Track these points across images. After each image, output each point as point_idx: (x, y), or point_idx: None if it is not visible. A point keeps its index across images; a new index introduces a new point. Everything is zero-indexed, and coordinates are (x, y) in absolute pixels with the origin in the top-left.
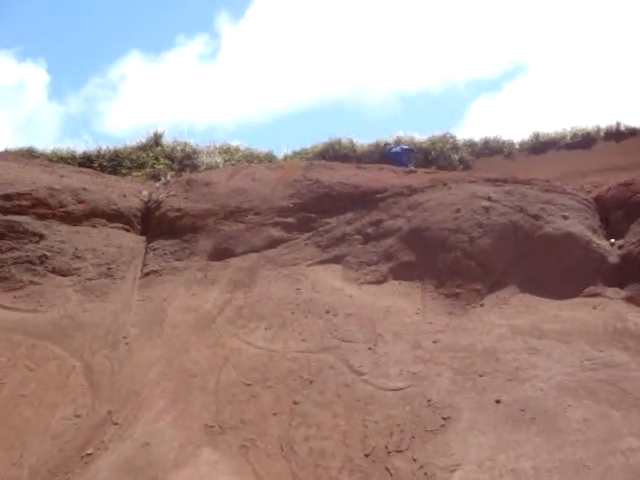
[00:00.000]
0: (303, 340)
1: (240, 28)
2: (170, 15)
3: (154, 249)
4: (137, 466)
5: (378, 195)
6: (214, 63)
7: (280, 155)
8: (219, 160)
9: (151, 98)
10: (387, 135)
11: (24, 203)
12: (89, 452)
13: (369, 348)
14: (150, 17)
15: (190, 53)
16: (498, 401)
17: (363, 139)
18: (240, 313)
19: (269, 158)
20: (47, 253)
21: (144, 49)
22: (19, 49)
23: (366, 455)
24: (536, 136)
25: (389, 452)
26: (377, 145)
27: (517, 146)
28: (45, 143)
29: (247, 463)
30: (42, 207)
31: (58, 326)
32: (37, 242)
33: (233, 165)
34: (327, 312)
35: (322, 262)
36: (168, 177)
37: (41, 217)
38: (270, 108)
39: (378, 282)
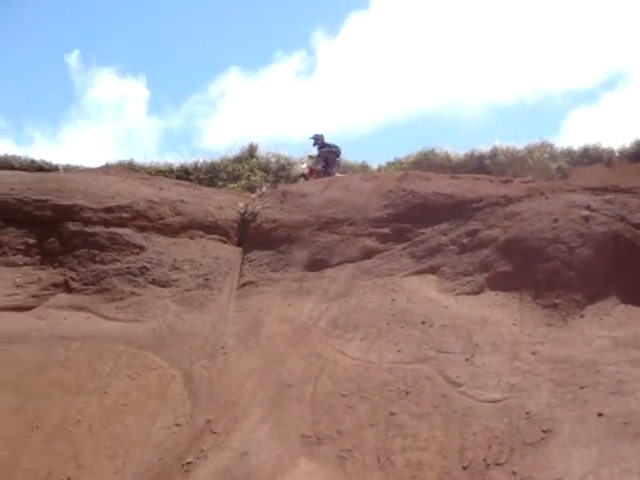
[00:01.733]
0: (399, 351)
1: (335, 45)
2: (269, 33)
3: (250, 260)
4: (236, 475)
5: (474, 205)
6: (310, 79)
7: (374, 166)
8: None
9: (249, 114)
10: (482, 145)
11: (125, 215)
12: (189, 461)
13: (466, 359)
14: (250, 35)
15: (287, 69)
16: (600, 414)
17: (457, 149)
18: (336, 324)
19: (363, 169)
20: (147, 264)
21: (243, 66)
22: (120, 66)
23: (464, 467)
24: (637, 143)
25: (488, 465)
26: (472, 155)
27: (617, 154)
28: (144, 157)
29: (344, 474)
30: (142, 219)
31: (158, 336)
32: (137, 254)
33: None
34: (423, 323)
35: (417, 273)
36: (263, 189)
37: (141, 229)
38: (365, 122)
39: (474, 293)
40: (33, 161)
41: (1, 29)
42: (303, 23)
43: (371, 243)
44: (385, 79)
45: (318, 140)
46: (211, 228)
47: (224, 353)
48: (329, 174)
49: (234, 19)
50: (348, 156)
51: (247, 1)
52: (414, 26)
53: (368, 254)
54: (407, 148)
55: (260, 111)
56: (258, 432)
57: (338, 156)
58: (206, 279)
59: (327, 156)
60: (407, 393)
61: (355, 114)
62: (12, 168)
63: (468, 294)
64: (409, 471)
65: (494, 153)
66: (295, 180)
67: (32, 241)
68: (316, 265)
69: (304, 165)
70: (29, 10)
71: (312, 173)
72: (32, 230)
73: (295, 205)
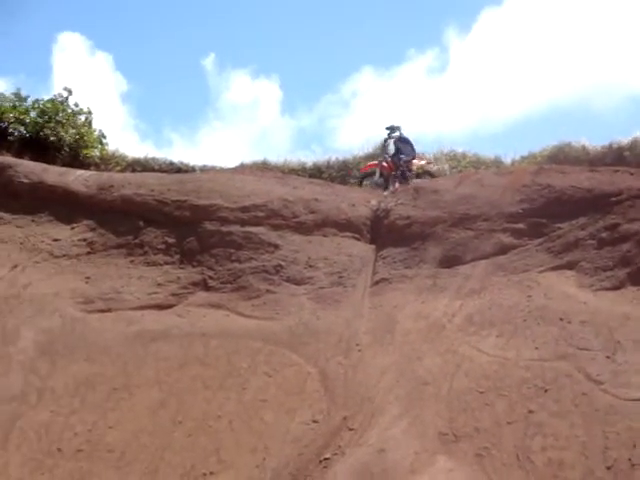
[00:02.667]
0: (536, 348)
1: (468, 41)
2: (402, 31)
3: (384, 257)
4: (374, 472)
5: (613, 198)
6: (442, 76)
7: (508, 160)
8: (446, 167)
9: (381, 113)
10: (622, 136)
11: (260, 214)
12: (327, 457)
13: (607, 356)
14: (383, 33)
15: (419, 67)
16: None
17: (595, 142)
18: (471, 320)
19: (496, 164)
20: (282, 262)
21: (376, 65)
22: (254, 67)
23: (608, 468)
24: None
25: (633, 465)
26: (610, 147)
27: None
28: (277, 156)
29: (483, 472)
30: (276, 218)
31: (294, 333)
32: (272, 252)
33: (460, 172)
34: (561, 319)
35: (554, 268)
36: (396, 185)
37: (276, 228)
38: (499, 117)
39: (614, 288)
40: (172, 163)
41: (143, 37)
42: (435, 20)
43: (506, 239)
44: (519, 74)
45: (393, 130)
46: (344, 226)
47: (359, 350)
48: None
49: (367, 18)
50: (481, 151)
51: (380, 0)
52: (548, 20)
53: (503, 250)
54: (542, 142)
55: (392, 109)
56: (395, 429)
57: (409, 143)
58: (340, 276)
59: (397, 144)
60: (546, 391)
61: (488, 110)
62: (152, 170)
63: (608, 290)
64: (550, 470)
65: (634, 144)
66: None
67: (172, 241)
68: (450, 261)
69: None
70: (168, 17)
71: (384, 167)
72: (172, 230)
73: (428, 201)
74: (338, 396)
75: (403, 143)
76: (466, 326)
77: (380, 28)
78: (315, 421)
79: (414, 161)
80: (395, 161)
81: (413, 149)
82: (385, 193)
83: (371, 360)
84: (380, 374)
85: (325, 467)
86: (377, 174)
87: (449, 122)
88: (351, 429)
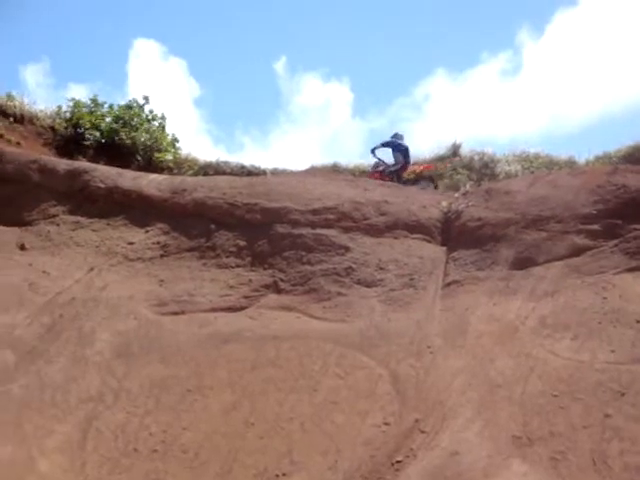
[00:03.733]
0: (612, 351)
1: (542, 43)
2: (475, 33)
3: (455, 259)
4: (447, 475)
5: None
6: (516, 79)
7: (582, 161)
8: (518, 168)
9: (454, 117)
10: None
11: (330, 217)
12: (399, 459)
13: None
14: (457, 36)
15: (492, 70)
16: None
17: None
18: (544, 323)
19: (570, 164)
20: (353, 265)
21: (449, 67)
22: (325, 70)
23: None
24: None
25: None
26: None
27: None
28: (348, 158)
29: (558, 476)
30: (347, 220)
31: (365, 336)
32: (343, 254)
33: (532, 173)
34: (637, 321)
35: (630, 270)
36: (467, 187)
37: (346, 230)
38: (573, 118)
39: None
40: (243, 166)
41: (216, 43)
42: (509, 23)
43: (580, 240)
44: (594, 74)
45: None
46: (415, 228)
47: (430, 352)
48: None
49: (440, 21)
50: (554, 152)
51: (453, 2)
52: (623, 19)
53: (577, 252)
54: (617, 142)
55: (465, 113)
56: (467, 432)
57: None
58: (411, 279)
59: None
60: (622, 395)
61: (562, 111)
62: (223, 173)
63: None
64: (627, 475)
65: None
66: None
67: (243, 243)
68: (522, 263)
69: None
70: (240, 22)
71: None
72: (243, 233)
73: (500, 203)
74: (410, 398)
75: (396, 152)
76: (539, 329)
77: (453, 31)
78: (387, 423)
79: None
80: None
81: (405, 157)
82: (456, 194)
83: (443, 363)
84: (452, 377)
85: (397, 470)
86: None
87: (522, 124)
88: (423, 432)
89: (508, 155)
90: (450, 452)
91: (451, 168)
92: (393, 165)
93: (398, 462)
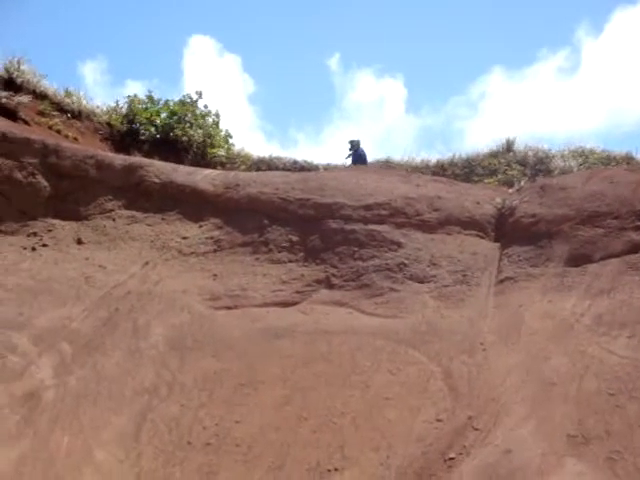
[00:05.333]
0: None
1: (600, 41)
2: (533, 30)
3: (508, 256)
4: (500, 473)
5: None
6: (574, 76)
7: (639, 157)
8: (573, 164)
9: (510, 114)
10: None
11: (383, 212)
12: (452, 456)
13: None
14: (515, 33)
15: (550, 67)
16: None
17: None
18: (600, 321)
19: (627, 160)
20: (405, 261)
21: (506, 65)
22: (378, 67)
23: None
24: None
25: None
26: None
27: None
28: (401, 154)
29: (614, 476)
30: (399, 216)
31: (417, 332)
32: (395, 250)
33: (588, 168)
34: None
35: None
36: (521, 183)
37: (399, 226)
38: (632, 115)
39: None
40: (295, 161)
41: (271, 39)
42: (567, 20)
43: (637, 237)
44: None
45: (354, 145)
46: (468, 223)
47: (483, 349)
48: None
49: (498, 18)
50: (611, 148)
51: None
52: None
53: (634, 248)
54: None
55: (522, 111)
56: (521, 430)
57: (365, 162)
58: (464, 275)
59: (357, 160)
60: None
61: (620, 109)
62: (276, 169)
63: None
64: None
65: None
66: None
67: (295, 239)
68: (578, 260)
69: None
70: (295, 19)
71: None
72: (295, 228)
73: (555, 199)
74: (462, 395)
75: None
76: (595, 326)
77: (512, 28)
78: (439, 420)
79: None
80: None
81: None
82: (510, 190)
83: (496, 359)
84: (505, 374)
85: (450, 467)
86: None
87: (580, 121)
88: (476, 429)
89: (563, 151)
90: (503, 450)
91: (505, 164)
92: None
93: (451, 459)
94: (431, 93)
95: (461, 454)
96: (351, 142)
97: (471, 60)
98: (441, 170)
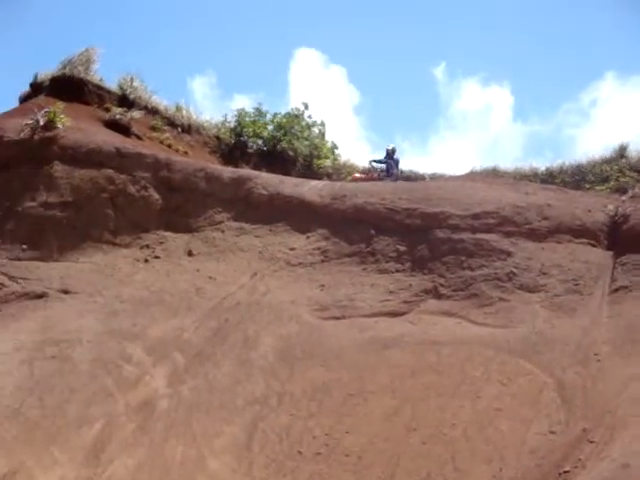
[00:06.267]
0: None
1: None
2: None
3: (622, 264)
4: None
5: None
6: None
7: None
8: None
9: (623, 122)
10: None
11: (491, 221)
12: (566, 469)
13: None
14: (628, 38)
15: None
16: None
17: None
18: None
19: None
20: (514, 270)
21: (620, 71)
22: (483, 75)
23: None
24: None
25: None
26: None
27: None
28: (508, 162)
29: None
30: (508, 225)
31: (527, 342)
32: (504, 259)
33: None
34: None
35: None
36: (635, 189)
37: (507, 234)
38: None
39: None
40: (401, 172)
41: (375, 50)
42: None
43: None
44: None
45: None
46: (579, 232)
47: (598, 360)
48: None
49: (610, 23)
50: None
51: (624, 3)
52: None
53: None
54: None
55: (635, 117)
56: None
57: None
58: (575, 284)
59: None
60: None
61: None
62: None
63: None
64: None
65: None
66: None
67: (403, 248)
68: None
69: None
70: (399, 29)
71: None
72: (402, 238)
73: None
74: (576, 407)
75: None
76: None
77: (624, 33)
78: (553, 432)
79: None
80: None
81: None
82: (623, 197)
83: (612, 370)
84: (622, 386)
85: None
86: None
87: None
88: (591, 442)
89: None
90: (621, 464)
91: (617, 170)
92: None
93: (566, 472)
94: (539, 100)
95: (576, 467)
96: (387, 150)
97: (582, 66)
98: (550, 178)
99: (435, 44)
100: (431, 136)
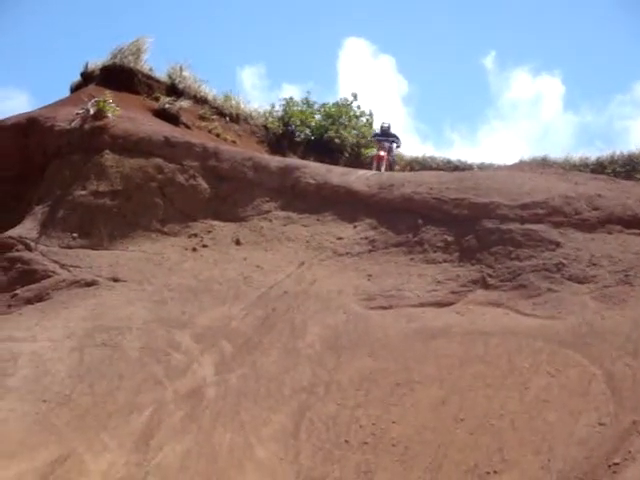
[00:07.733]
0: None
1: None
2: None
3: None
4: None
5: None
6: None
7: None
8: None
9: None
10: None
11: (540, 212)
12: (616, 462)
13: None
14: None
15: None
16: None
17: None
18: None
19: None
20: (563, 261)
21: None
22: (534, 64)
23: None
24: None
25: None
26: None
27: None
28: (559, 152)
29: None
30: (557, 215)
31: (577, 333)
32: (553, 250)
33: None
34: None
35: None
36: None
37: (556, 225)
38: None
39: None
40: (449, 161)
41: (424, 39)
42: None
43: None
44: None
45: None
46: (631, 222)
47: None
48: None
49: None
50: None
51: None
52: None
53: None
54: None
55: None
56: None
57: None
58: (626, 275)
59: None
60: None
61: None
62: (430, 168)
63: None
64: None
65: None
66: None
67: (450, 239)
68: None
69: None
70: (449, 18)
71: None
72: (450, 228)
73: None
74: (626, 399)
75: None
76: None
77: None
78: (602, 424)
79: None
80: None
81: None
82: None
83: None
84: None
85: (615, 472)
86: (375, 165)
87: None
88: None
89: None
90: None
91: None
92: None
93: (615, 464)
94: (592, 90)
95: (626, 459)
96: (382, 127)
97: (636, 57)
98: (600, 168)
99: (485, 33)
100: (480, 127)
